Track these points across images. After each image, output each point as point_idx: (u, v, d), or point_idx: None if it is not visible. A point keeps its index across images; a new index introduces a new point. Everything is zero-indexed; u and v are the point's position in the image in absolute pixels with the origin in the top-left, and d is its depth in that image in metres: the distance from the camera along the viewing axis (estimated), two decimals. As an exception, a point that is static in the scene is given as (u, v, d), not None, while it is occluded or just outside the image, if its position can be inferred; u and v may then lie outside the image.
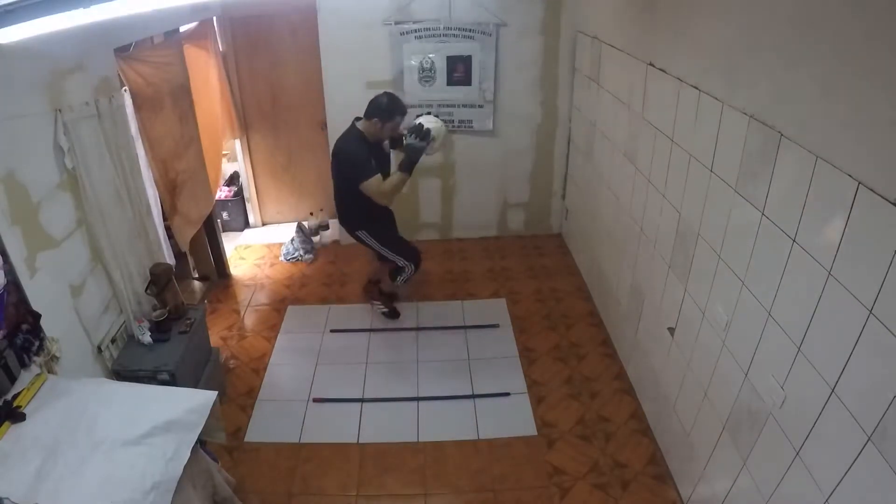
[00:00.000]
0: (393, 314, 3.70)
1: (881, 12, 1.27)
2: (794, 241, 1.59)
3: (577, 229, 4.28)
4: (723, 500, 2.02)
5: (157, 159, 3.08)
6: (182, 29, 3.66)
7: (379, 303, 3.71)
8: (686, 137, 2.30)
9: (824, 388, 1.45)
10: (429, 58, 4.06)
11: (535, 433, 2.82)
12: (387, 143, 3.25)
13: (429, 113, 3.17)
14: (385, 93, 2.99)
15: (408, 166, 2.91)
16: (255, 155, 4.81)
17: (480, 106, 4.22)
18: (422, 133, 2.91)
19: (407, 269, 3.39)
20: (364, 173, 2.91)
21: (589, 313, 3.74)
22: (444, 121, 4.30)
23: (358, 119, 3.06)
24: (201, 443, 2.01)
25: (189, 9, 3.56)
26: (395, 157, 3.26)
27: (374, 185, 2.91)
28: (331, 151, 3.15)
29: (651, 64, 2.63)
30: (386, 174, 3.07)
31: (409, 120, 3.13)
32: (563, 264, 4.36)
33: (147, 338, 2.58)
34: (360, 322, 3.70)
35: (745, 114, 1.83)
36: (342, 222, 3.34)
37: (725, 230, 1.98)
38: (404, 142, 2.98)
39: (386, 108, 2.94)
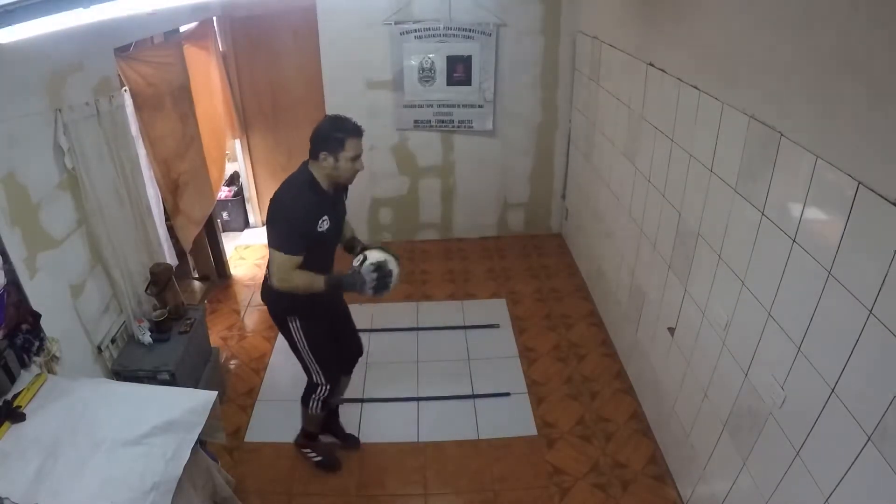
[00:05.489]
0: (331, 463, 2.66)
1: (880, 12, 1.27)
2: (794, 241, 1.59)
3: (577, 229, 4.28)
4: (723, 500, 2.02)
5: (159, 159, 3.08)
6: (182, 29, 3.66)
7: (309, 450, 2.67)
8: (686, 137, 2.30)
9: (824, 388, 1.45)
10: (429, 58, 4.06)
11: (535, 433, 2.82)
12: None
13: (381, 248, 2.26)
14: (325, 116, 2.13)
15: (335, 286, 2.15)
16: (255, 155, 4.81)
17: (480, 106, 4.22)
18: (382, 273, 2.12)
19: (320, 389, 2.44)
20: (287, 239, 2.03)
21: (589, 313, 3.74)
22: (440, 121, 4.28)
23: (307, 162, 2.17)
24: (201, 443, 2.01)
25: (189, 9, 3.56)
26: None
27: (284, 263, 2.04)
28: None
29: (651, 64, 2.63)
30: (333, 238, 2.25)
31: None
32: (563, 264, 4.36)
33: (147, 338, 2.58)
34: (360, 322, 3.68)
35: (745, 114, 1.82)
36: (265, 298, 2.34)
37: (725, 230, 1.98)
38: (356, 263, 2.18)
39: (328, 132, 2.03)
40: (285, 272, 2.06)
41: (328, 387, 2.45)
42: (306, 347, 2.35)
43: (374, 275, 2.11)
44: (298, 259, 2.06)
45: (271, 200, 2.11)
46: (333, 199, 2.18)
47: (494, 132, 4.34)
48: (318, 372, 2.42)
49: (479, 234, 4.80)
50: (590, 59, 3.70)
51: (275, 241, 2.06)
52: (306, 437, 2.67)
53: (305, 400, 2.52)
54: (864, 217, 1.33)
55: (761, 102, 1.75)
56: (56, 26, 1.83)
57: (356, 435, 2.82)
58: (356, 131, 2.06)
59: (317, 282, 2.10)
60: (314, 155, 2.07)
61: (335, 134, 2.03)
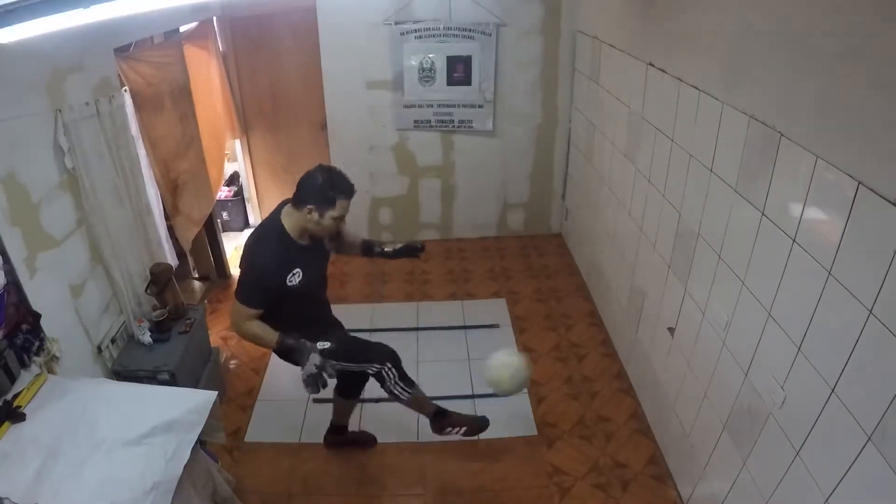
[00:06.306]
0: (369, 438, 2.73)
1: (880, 12, 1.27)
2: (794, 241, 1.59)
3: (577, 229, 4.28)
4: (723, 500, 2.02)
5: (159, 159, 3.08)
6: (182, 29, 3.66)
7: (451, 427, 2.53)
8: (686, 137, 2.30)
9: (824, 388, 1.45)
10: (429, 58, 4.06)
11: (535, 433, 2.82)
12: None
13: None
14: (320, 166, 2.00)
15: (288, 350, 2.07)
16: (255, 155, 4.81)
17: (480, 106, 4.22)
18: (319, 373, 2.01)
19: (386, 373, 2.29)
20: (248, 292, 2.00)
21: (589, 313, 3.74)
22: (440, 121, 4.25)
23: (285, 203, 2.07)
24: (201, 443, 2.01)
25: (189, 9, 3.56)
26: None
27: (239, 313, 2.01)
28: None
29: (651, 64, 2.63)
30: (313, 287, 2.16)
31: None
32: (563, 264, 4.36)
33: (147, 338, 2.58)
34: (360, 322, 3.70)
35: (745, 114, 1.82)
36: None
37: (725, 230, 1.98)
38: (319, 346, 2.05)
39: (322, 188, 1.94)
40: (239, 321, 2.03)
41: (389, 365, 2.27)
42: (338, 363, 2.17)
43: (315, 372, 1.99)
44: (254, 312, 2.01)
45: (244, 245, 2.10)
46: (308, 246, 2.07)
47: (494, 132, 4.34)
48: (369, 364, 2.26)
49: (479, 234, 4.80)
50: (590, 59, 3.70)
51: (237, 288, 2.05)
52: (437, 417, 2.49)
53: (392, 394, 2.33)
54: (864, 217, 1.33)
55: (761, 102, 1.75)
56: (56, 26, 1.83)
57: (358, 429, 2.83)
58: (349, 192, 1.99)
59: (269, 337, 2.04)
60: (298, 205, 1.98)
61: (328, 192, 1.94)
